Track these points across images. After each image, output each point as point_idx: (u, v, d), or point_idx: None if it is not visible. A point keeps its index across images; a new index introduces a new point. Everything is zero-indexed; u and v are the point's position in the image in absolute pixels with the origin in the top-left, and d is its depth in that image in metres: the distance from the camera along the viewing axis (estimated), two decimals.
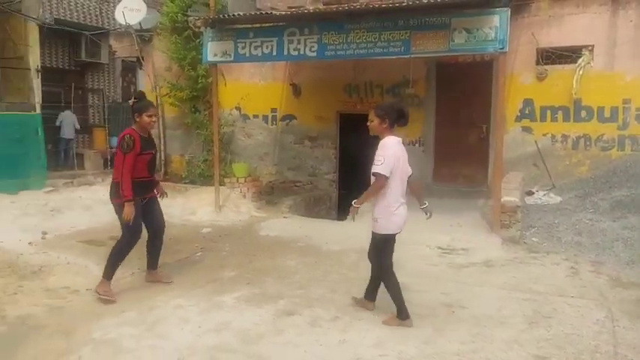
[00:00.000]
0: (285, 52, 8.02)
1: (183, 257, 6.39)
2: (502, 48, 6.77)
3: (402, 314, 4.29)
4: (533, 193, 8.30)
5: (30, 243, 6.63)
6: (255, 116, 11.06)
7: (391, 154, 4.14)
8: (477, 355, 3.79)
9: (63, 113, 13.96)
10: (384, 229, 4.34)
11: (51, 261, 5.79)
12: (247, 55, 8.29)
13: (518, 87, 8.73)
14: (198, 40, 10.48)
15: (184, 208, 8.90)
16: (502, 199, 6.90)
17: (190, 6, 10.89)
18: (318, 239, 7.23)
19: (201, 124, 11.28)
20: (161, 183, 5.59)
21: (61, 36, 14.53)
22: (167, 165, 12.09)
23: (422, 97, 9.56)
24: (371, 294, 4.66)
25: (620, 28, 8.20)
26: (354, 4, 8.18)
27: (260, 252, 6.68)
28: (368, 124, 4.36)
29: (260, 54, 8.22)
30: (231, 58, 8.44)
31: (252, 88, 10.96)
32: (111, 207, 8.62)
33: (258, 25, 8.39)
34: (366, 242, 6.81)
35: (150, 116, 4.97)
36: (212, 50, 8.50)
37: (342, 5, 7.91)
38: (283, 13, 8.10)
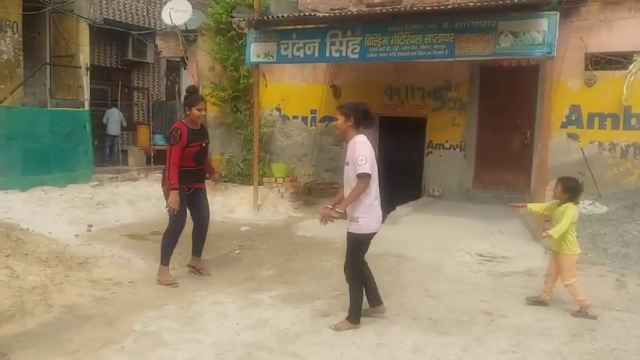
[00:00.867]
0: (327, 54, 8.05)
1: (222, 254, 6.50)
2: (550, 52, 6.61)
3: (355, 319, 4.22)
4: (578, 202, 8.03)
5: (76, 235, 6.86)
6: (295, 117, 11.12)
7: (370, 153, 4.12)
8: None
9: (109, 110, 14.42)
10: (366, 228, 4.23)
11: (96, 253, 5.97)
12: (289, 56, 8.36)
13: (564, 92, 8.48)
14: (241, 42, 10.62)
15: (224, 206, 9.03)
16: None
17: (235, 7, 11.05)
18: None
19: (241, 123, 11.42)
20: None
21: (110, 36, 15.03)
22: None
23: (464, 101, 9.41)
24: (375, 299, 4.53)
25: None
26: (398, 6, 8.14)
27: (297, 252, 6.72)
28: (334, 123, 4.37)
29: (302, 55, 8.28)
30: (274, 59, 8.53)
31: (293, 90, 11.02)
32: (152, 202, 8.88)
33: (300, 27, 8.46)
34: (404, 247, 6.81)
35: (199, 110, 5.23)
36: (255, 51, 8.61)
37: (386, 7, 7.88)
38: (326, 14, 8.14)
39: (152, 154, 13.11)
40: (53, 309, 4.49)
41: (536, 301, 4.93)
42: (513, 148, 9.16)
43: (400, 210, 8.49)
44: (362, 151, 4.08)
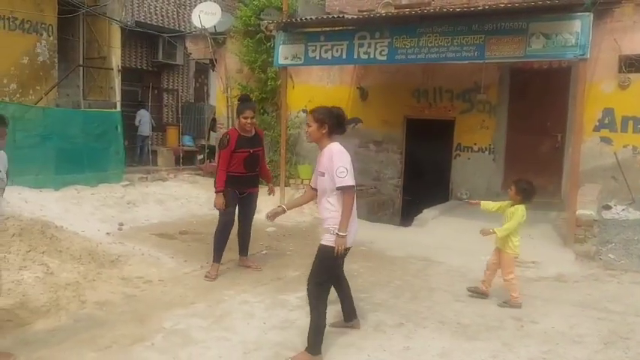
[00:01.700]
0: (355, 56, 8.06)
1: (249, 255, 6.53)
2: (583, 54, 6.49)
3: (316, 349, 3.75)
4: (610, 207, 7.87)
5: (108, 233, 7.01)
6: None
7: (349, 162, 3.74)
8: None
9: (140, 112, 14.68)
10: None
11: (127, 251, 6.09)
12: (317, 58, 8.40)
13: (597, 95, 8.30)
14: (269, 44, 10.70)
15: None
16: (577, 212, 6.60)
17: (263, 10, 11.14)
18: (381, 244, 7.19)
19: (268, 125, 11.48)
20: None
21: (141, 38, 15.32)
22: None
23: (493, 103, 9.30)
24: (350, 313, 4.29)
25: None
26: (427, 8, 8.09)
27: None
28: (306, 129, 4.00)
29: (330, 57, 8.31)
30: (302, 62, 8.58)
31: (320, 91, 11.04)
32: (181, 203, 9.02)
33: (328, 29, 8.48)
34: (431, 250, 6.76)
35: (245, 118, 5.42)
36: (283, 53, 8.67)
37: (415, 9, 7.84)
38: (354, 16, 8.14)
39: (181, 155, 13.31)
40: (86, 305, 4.60)
41: (477, 291, 5.11)
42: (543, 152, 9.00)
43: (427, 213, 8.43)
44: (340, 162, 3.71)
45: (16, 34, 10.60)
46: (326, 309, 3.82)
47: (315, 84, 11.09)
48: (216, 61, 12.47)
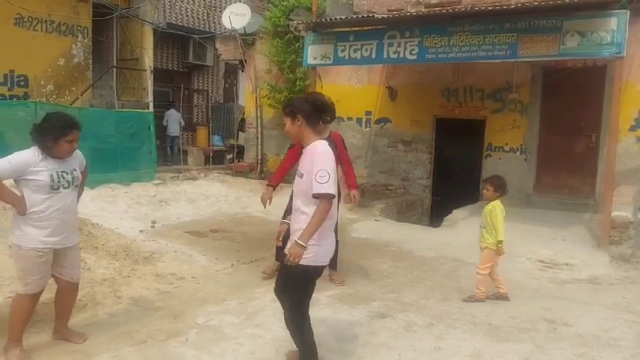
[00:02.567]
0: (385, 55, 8.03)
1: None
2: (619, 52, 6.35)
3: None
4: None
5: (141, 231, 7.16)
6: (350, 118, 11.15)
7: (332, 165, 3.14)
8: None
9: (168, 112, 14.92)
10: (315, 260, 3.17)
11: (160, 248, 6.22)
12: (346, 58, 8.40)
13: (633, 95, 8.09)
14: (298, 44, 10.77)
15: (277, 206, 9.14)
16: (612, 214, 6.46)
17: (292, 10, 11.21)
18: (411, 244, 7.17)
19: None
20: (264, 182, 5.89)
21: (172, 39, 15.59)
22: (263, 164, 12.52)
23: (526, 103, 9.16)
24: None
25: None
26: (458, 7, 8.02)
27: (351, 253, 6.72)
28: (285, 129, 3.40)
29: (359, 57, 8.30)
30: (331, 61, 8.59)
31: (348, 91, 11.05)
32: (211, 201, 9.13)
33: (357, 29, 8.48)
34: (461, 251, 6.69)
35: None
36: (312, 53, 8.70)
37: (445, 8, 7.78)
38: (384, 16, 8.12)
39: (211, 154, 13.49)
40: (121, 301, 4.72)
41: (497, 297, 5.04)
42: (577, 152, 8.82)
43: (457, 213, 8.36)
44: (322, 164, 3.09)
45: (53, 37, 10.93)
46: (312, 334, 3.35)
47: (344, 84, 11.10)
48: (245, 61, 12.60)
